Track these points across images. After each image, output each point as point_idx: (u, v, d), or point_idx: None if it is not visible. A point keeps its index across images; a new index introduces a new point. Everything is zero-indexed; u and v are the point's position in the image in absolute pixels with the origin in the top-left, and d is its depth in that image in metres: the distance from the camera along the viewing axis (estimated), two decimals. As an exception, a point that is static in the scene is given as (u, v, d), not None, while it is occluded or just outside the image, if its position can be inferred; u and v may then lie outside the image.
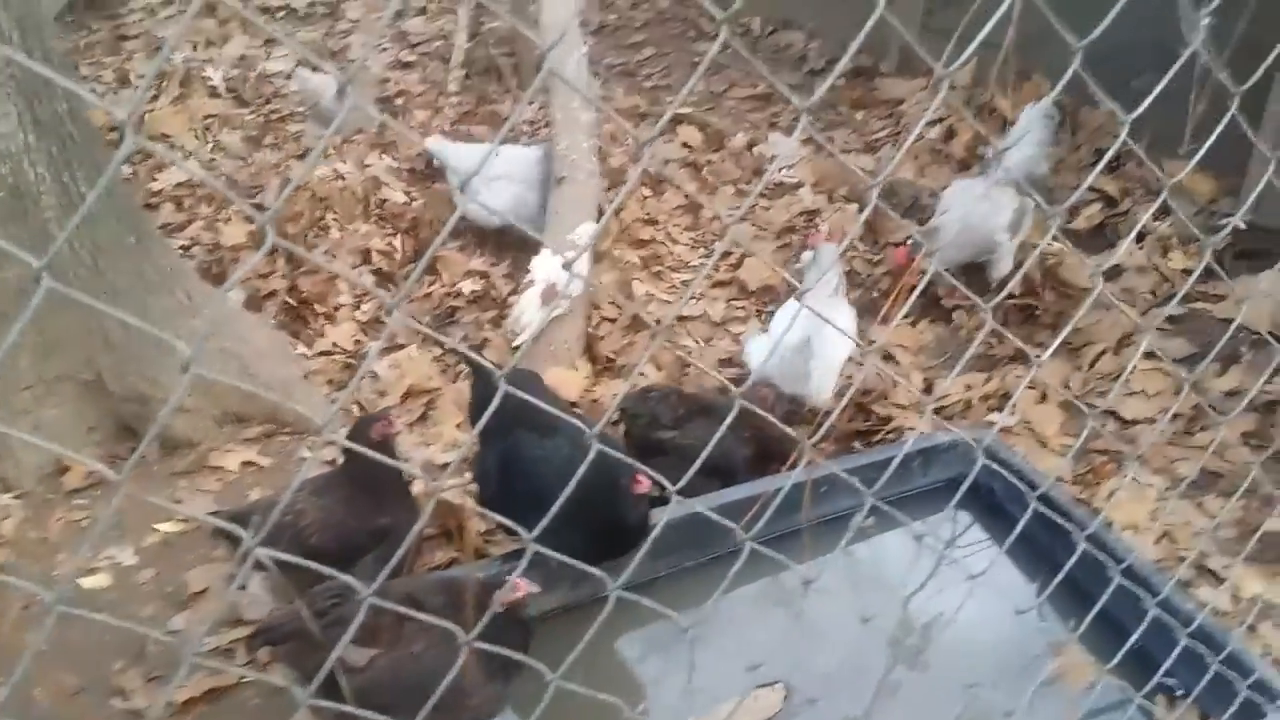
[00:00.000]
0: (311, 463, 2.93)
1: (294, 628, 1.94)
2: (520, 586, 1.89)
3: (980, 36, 1.08)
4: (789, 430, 1.41)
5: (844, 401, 1.55)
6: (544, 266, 3.41)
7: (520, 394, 1.02)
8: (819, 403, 3.02)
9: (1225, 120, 1.19)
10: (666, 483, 1.26)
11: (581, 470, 1.12)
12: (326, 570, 1.10)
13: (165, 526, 2.78)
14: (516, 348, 3.26)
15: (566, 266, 1.05)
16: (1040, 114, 3.83)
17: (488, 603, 1.72)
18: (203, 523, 2.78)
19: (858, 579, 2.64)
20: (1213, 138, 1.30)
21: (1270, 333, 3.28)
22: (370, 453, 1.09)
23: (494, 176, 3.94)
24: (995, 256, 3.62)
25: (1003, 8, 1.13)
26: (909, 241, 3.56)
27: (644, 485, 2.14)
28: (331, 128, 1.03)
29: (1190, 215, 3.88)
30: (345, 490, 2.34)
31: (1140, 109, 1.15)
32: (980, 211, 3.52)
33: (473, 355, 1.08)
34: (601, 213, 3.87)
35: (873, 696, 2.23)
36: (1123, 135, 1.10)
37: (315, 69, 4.78)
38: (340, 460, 2.52)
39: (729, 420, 1.24)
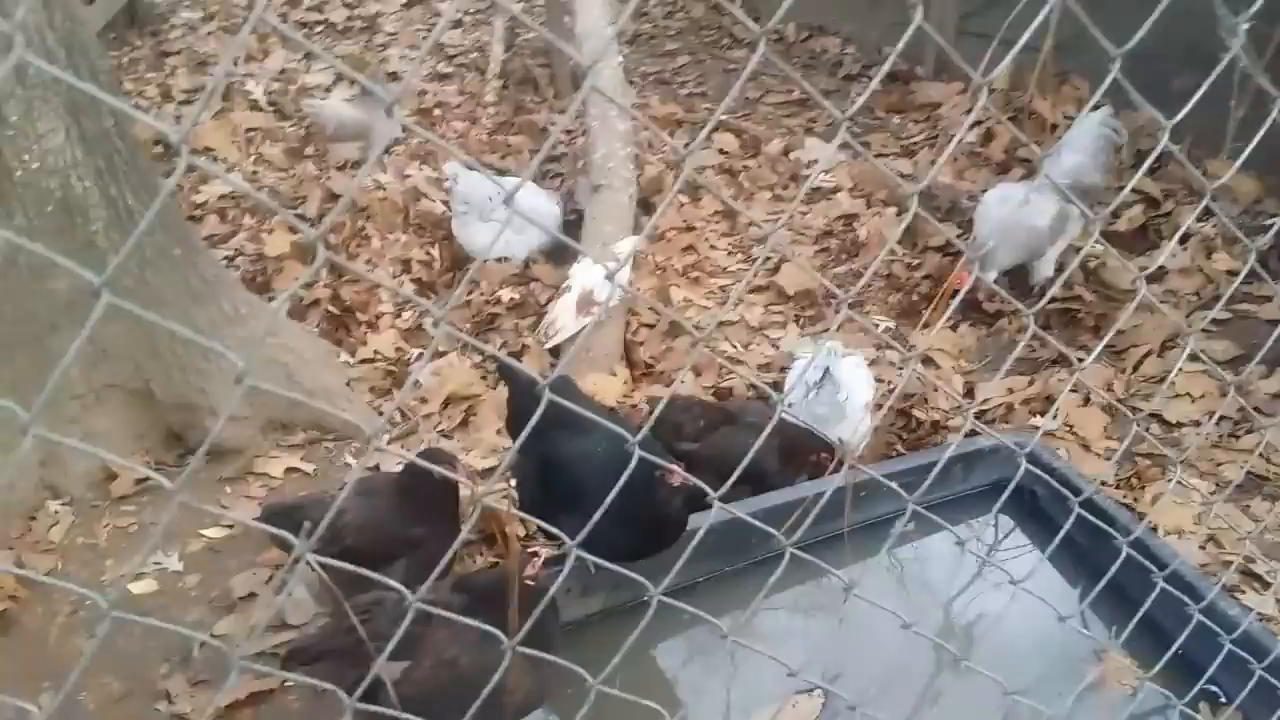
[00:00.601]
0: (356, 470, 2.97)
1: (324, 647, 1.97)
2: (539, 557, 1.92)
3: (1020, 43, 1.08)
4: (827, 437, 1.41)
5: (882, 412, 1.55)
6: (582, 274, 3.43)
7: (557, 399, 1.03)
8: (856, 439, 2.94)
9: (1267, 125, 1.18)
10: (708, 489, 1.27)
11: (626, 473, 1.13)
12: (368, 574, 1.11)
13: (211, 532, 2.82)
14: (552, 351, 3.29)
15: (609, 278, 1.06)
16: (1096, 123, 3.68)
17: (506, 597, 1.74)
18: (251, 526, 2.83)
19: (900, 583, 2.63)
20: (1254, 143, 1.29)
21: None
22: (433, 469, 1.10)
23: (497, 219, 3.82)
24: (1038, 260, 3.58)
25: (1042, 13, 1.13)
26: (965, 260, 3.52)
27: (675, 478, 2.15)
28: (376, 150, 1.04)
29: (1234, 216, 3.83)
30: (390, 497, 2.37)
31: (1180, 115, 1.14)
32: (1019, 216, 3.48)
33: (511, 362, 1.09)
34: (637, 220, 3.89)
35: (915, 703, 2.23)
36: (1163, 141, 1.09)
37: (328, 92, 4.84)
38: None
39: (768, 429, 1.24)
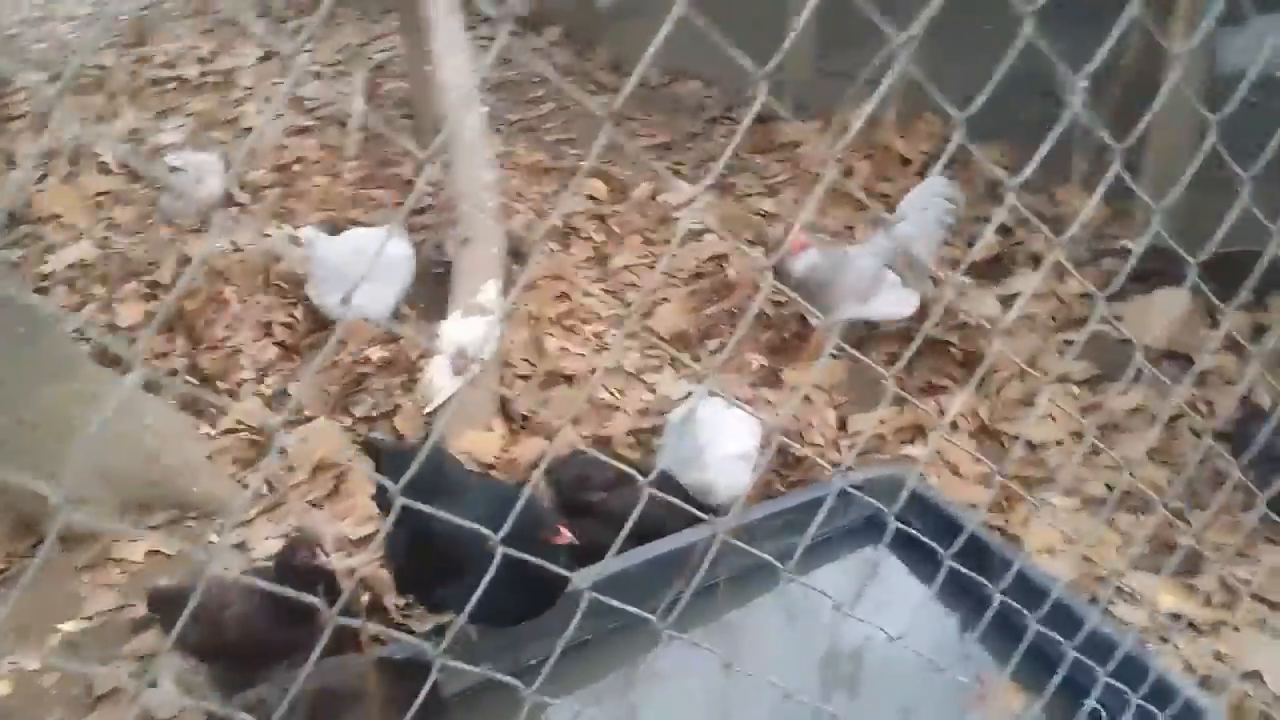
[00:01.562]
0: (221, 549, 2.84)
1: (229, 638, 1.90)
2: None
3: (873, 102, 1.08)
4: (698, 513, 1.41)
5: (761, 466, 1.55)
6: (453, 331, 3.37)
7: (410, 503, 1.00)
8: (726, 495, 2.86)
9: (1109, 176, 1.22)
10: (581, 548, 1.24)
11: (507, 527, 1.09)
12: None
13: (69, 626, 2.66)
14: (429, 415, 3.20)
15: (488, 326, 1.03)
16: (930, 193, 3.67)
17: (395, 689, 1.69)
18: (111, 618, 2.67)
19: (791, 615, 2.63)
20: (1097, 196, 1.33)
21: (1168, 350, 3.38)
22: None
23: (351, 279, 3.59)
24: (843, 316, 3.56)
25: (887, 81, 1.15)
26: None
27: (564, 537, 2.11)
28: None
29: (1083, 241, 4.00)
30: (265, 593, 2.26)
31: (1021, 177, 1.17)
32: (831, 269, 3.53)
33: (373, 475, 1.05)
34: (508, 270, 3.84)
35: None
36: (1009, 200, 1.12)
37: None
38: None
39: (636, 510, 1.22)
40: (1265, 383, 3.02)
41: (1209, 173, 1.38)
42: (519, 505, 1.25)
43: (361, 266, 3.47)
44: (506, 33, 0.88)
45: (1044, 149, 1.22)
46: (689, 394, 3.24)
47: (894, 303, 3.58)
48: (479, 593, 1.25)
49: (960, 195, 3.73)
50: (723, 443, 2.86)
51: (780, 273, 3.50)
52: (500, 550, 1.12)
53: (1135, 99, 3.46)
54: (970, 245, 3.96)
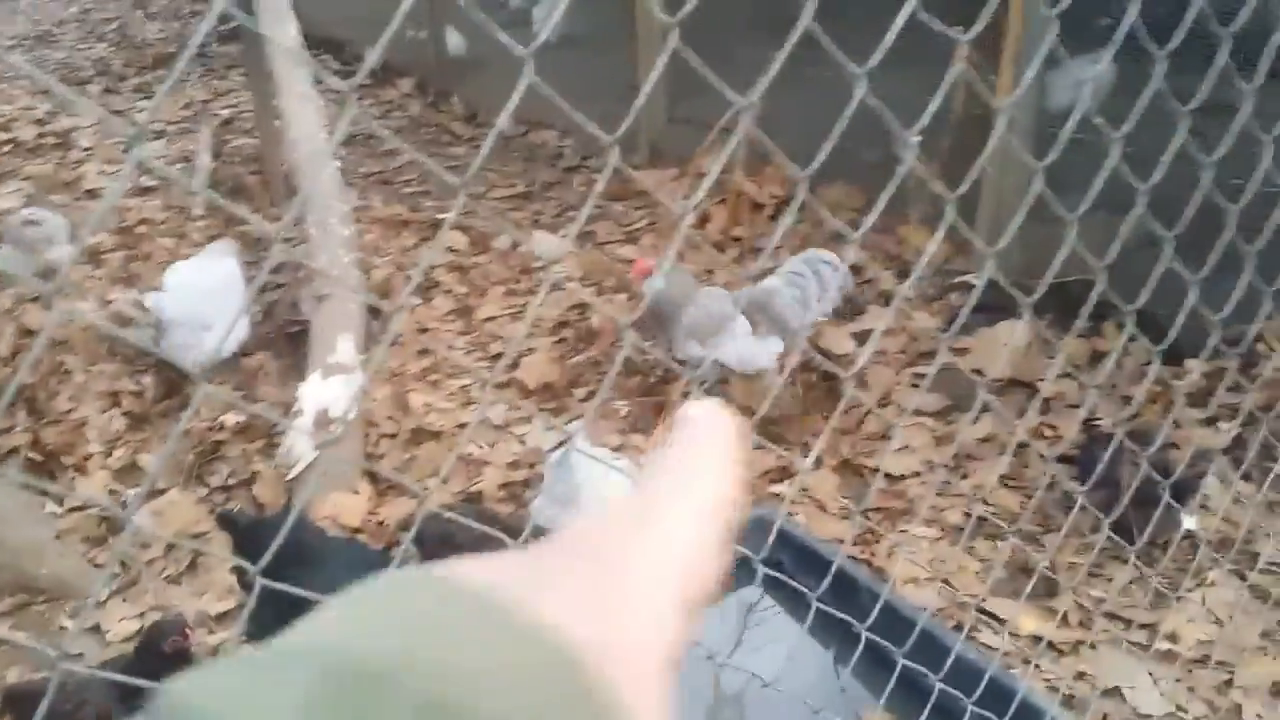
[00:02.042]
0: (74, 634, 2.69)
1: None
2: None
3: (720, 160, 1.11)
4: None
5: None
6: (312, 392, 3.29)
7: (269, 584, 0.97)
8: None
9: (944, 226, 1.28)
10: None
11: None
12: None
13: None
14: (291, 481, 3.11)
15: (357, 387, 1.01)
16: (801, 259, 3.65)
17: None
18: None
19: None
20: (935, 241, 1.39)
21: (1012, 379, 3.54)
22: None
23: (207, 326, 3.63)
24: (688, 355, 3.55)
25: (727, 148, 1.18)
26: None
27: None
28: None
29: (928, 276, 4.17)
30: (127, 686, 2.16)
31: (860, 233, 1.22)
32: (680, 301, 3.50)
33: (229, 555, 1.01)
34: (368, 326, 3.78)
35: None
36: (853, 245, 1.16)
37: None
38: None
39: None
40: (1107, 408, 3.19)
41: (1047, 207, 1.46)
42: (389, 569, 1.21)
43: (208, 304, 3.59)
44: (355, 101, 0.88)
45: (882, 201, 1.27)
46: (564, 439, 3.23)
47: (747, 350, 3.56)
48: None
49: (838, 264, 3.65)
50: (598, 484, 2.85)
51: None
52: None
53: (967, 143, 3.64)
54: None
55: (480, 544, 2.37)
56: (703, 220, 4.63)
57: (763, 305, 3.53)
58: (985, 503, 3.04)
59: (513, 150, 5.94)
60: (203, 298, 3.68)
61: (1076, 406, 3.37)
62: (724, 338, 3.52)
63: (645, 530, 0.36)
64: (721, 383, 3.65)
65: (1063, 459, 3.06)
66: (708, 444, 0.40)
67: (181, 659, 2.10)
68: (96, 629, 2.70)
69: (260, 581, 1.03)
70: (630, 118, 1.10)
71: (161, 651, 2.11)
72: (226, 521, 2.49)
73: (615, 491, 2.88)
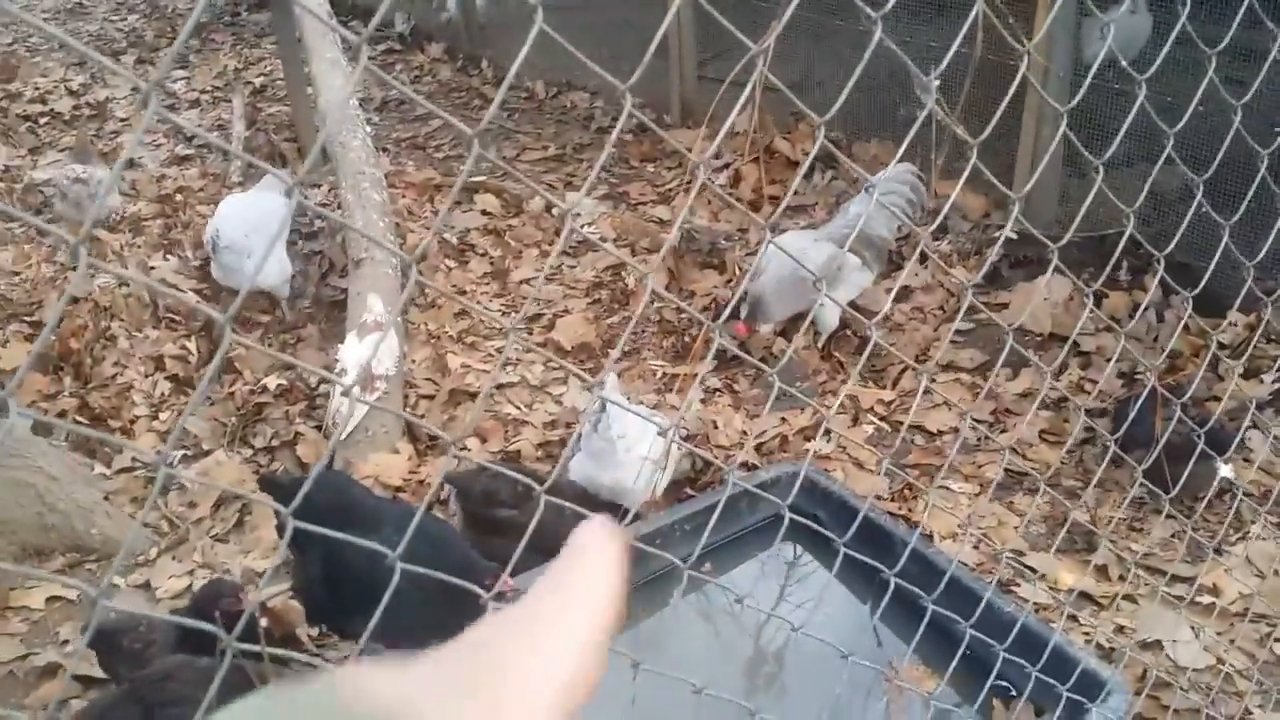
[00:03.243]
0: (126, 593, 2.76)
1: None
2: None
3: (736, 109, 1.12)
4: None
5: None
6: (352, 354, 3.33)
7: (303, 525, 0.97)
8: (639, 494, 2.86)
9: (968, 171, 1.28)
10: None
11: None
12: None
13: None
14: (342, 441, 3.14)
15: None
16: (887, 176, 3.52)
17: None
18: (14, 667, 2.57)
19: (709, 617, 2.66)
20: (956, 190, 1.38)
21: (1052, 333, 3.52)
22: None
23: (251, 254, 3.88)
24: (820, 311, 3.58)
25: (747, 91, 1.18)
26: (743, 315, 3.57)
27: (506, 585, 2.10)
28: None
29: (966, 231, 4.14)
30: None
31: (886, 170, 1.22)
32: (790, 266, 3.50)
33: (261, 498, 1.03)
34: (402, 290, 3.81)
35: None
36: (875, 196, 1.16)
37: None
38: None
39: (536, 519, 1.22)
40: (1147, 361, 3.17)
41: (1082, 159, 1.46)
42: (440, 534, 1.24)
43: (255, 232, 3.85)
44: (366, 58, 0.88)
45: (904, 147, 1.27)
46: (600, 398, 3.24)
47: (856, 286, 3.64)
48: (380, 615, 1.22)
49: (918, 182, 3.67)
50: (634, 441, 2.86)
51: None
52: (401, 569, 1.09)
53: (992, 93, 3.60)
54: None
55: (521, 500, 2.38)
56: (736, 179, 4.61)
57: (860, 234, 3.52)
58: (1024, 457, 3.03)
59: (545, 113, 5.94)
60: (250, 227, 3.87)
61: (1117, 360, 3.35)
62: (844, 277, 3.57)
63: (536, 647, 0.41)
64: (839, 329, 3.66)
65: (1101, 412, 3.04)
66: (595, 566, 0.45)
67: (233, 621, 2.14)
68: (146, 585, 2.77)
69: (292, 524, 1.01)
70: (643, 65, 1.10)
71: (213, 613, 2.16)
72: (270, 484, 2.53)
73: (649, 448, 2.89)
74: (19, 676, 2.52)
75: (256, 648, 1.83)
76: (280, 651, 1.84)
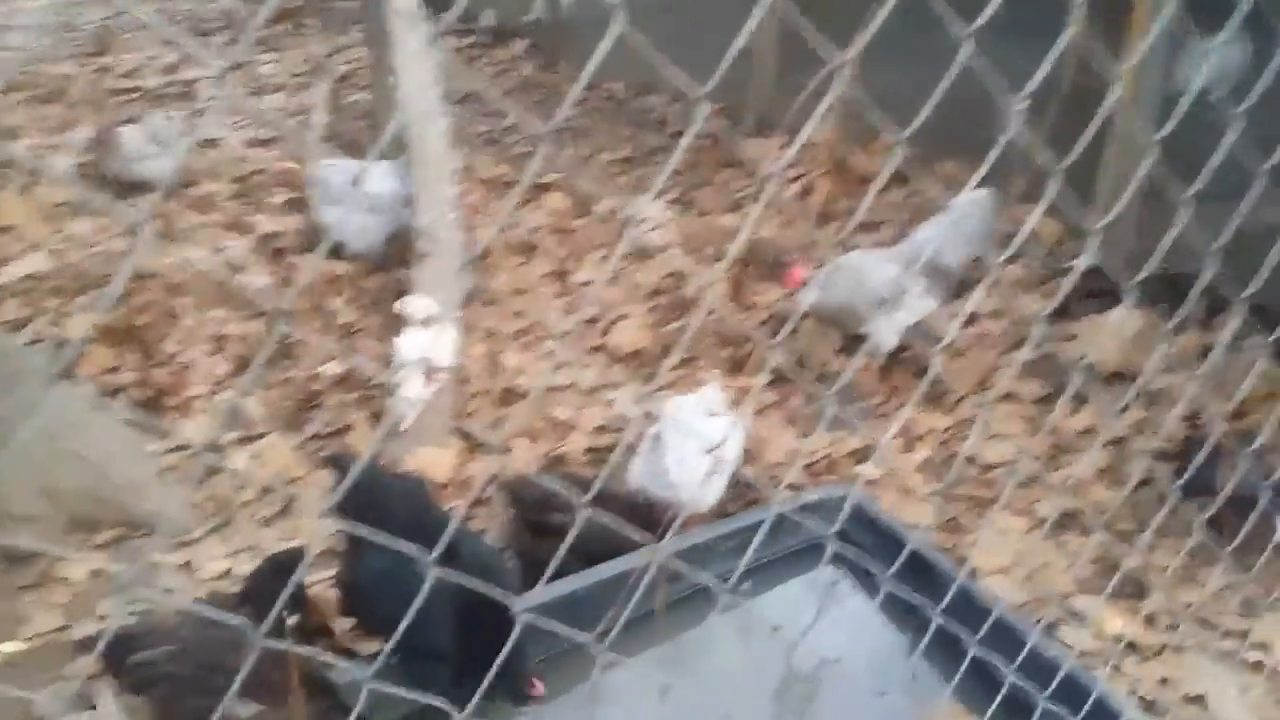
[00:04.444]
0: (167, 569, 2.81)
1: (169, 670, 1.86)
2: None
3: (812, 121, 1.09)
4: (636, 535, 1.37)
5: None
6: (411, 346, 3.35)
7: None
8: (692, 503, 2.86)
9: (1049, 198, 1.24)
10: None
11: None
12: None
13: (7, 646, 2.61)
14: (405, 430, 3.15)
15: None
16: (966, 201, 3.49)
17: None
18: (53, 639, 2.63)
19: (745, 636, 2.62)
20: (1036, 215, 1.34)
21: (1118, 370, 3.41)
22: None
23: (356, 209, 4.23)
24: (871, 330, 3.48)
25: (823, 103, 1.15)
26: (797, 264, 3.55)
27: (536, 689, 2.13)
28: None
29: (1040, 258, 4.03)
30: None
31: (966, 189, 1.18)
32: (848, 282, 3.48)
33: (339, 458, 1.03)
34: (465, 286, 3.84)
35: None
36: (945, 221, 1.12)
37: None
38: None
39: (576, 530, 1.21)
40: (1215, 406, 3.05)
41: (1167, 194, 1.40)
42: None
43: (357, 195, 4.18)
44: (445, 48, 0.88)
45: (982, 170, 1.23)
46: (655, 410, 3.20)
47: (916, 312, 3.53)
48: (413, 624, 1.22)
49: (995, 206, 3.58)
50: (687, 469, 2.83)
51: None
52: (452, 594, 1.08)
53: (1078, 118, 3.49)
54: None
55: (574, 510, 2.36)
56: (805, 191, 4.55)
57: (928, 260, 3.45)
58: (1079, 496, 2.94)
59: (623, 114, 5.94)
60: (355, 188, 4.22)
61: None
62: (906, 302, 3.48)
63: None
64: (899, 351, 3.58)
65: (1163, 455, 2.94)
66: None
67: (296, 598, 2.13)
68: (188, 565, 2.81)
69: (336, 517, 1.02)
70: (721, 70, 1.08)
71: (277, 586, 2.11)
72: (337, 463, 2.54)
73: (713, 458, 2.86)
74: (57, 648, 2.57)
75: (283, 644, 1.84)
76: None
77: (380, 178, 4.27)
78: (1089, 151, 1.39)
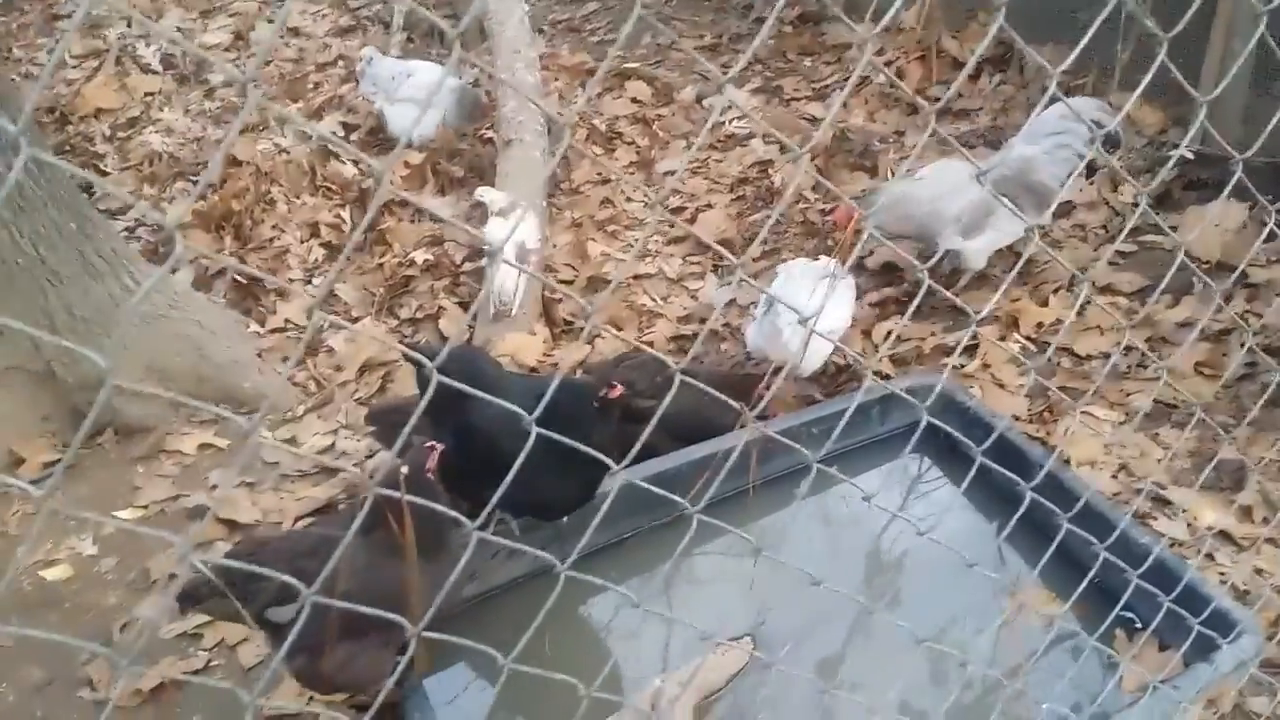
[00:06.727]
0: (269, 446, 2.91)
1: (209, 590, 1.94)
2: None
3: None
4: (730, 402, 1.37)
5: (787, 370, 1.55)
6: (497, 232, 3.38)
7: (446, 380, 0.99)
8: (804, 370, 2.91)
9: (1155, 67, 1.19)
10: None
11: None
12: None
13: (126, 514, 2.75)
14: (509, 315, 3.20)
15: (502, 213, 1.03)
16: (1057, 116, 3.19)
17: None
18: (167, 506, 2.76)
19: (829, 520, 2.66)
20: (1144, 85, 1.30)
21: (1220, 261, 3.31)
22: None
23: (402, 98, 4.33)
24: (951, 250, 3.24)
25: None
26: (846, 202, 3.30)
27: (615, 390, 2.18)
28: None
29: (1139, 147, 3.90)
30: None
31: (1066, 62, 1.15)
32: (924, 194, 3.22)
33: (406, 350, 1.06)
34: (553, 174, 3.84)
35: (843, 641, 2.28)
36: (1051, 88, 1.10)
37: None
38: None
39: (666, 401, 1.21)
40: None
41: (1271, 76, 1.34)
42: (553, 385, 1.25)
43: (406, 87, 4.29)
44: None
45: (1084, 40, 1.19)
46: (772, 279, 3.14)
47: (1007, 235, 3.27)
48: (524, 484, 1.25)
49: (1111, 119, 3.09)
50: (796, 332, 2.79)
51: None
52: (536, 433, 1.11)
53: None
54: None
55: (661, 390, 2.39)
56: (897, 76, 4.43)
57: (1022, 180, 3.15)
58: (1176, 389, 2.89)
59: (705, 1, 5.80)
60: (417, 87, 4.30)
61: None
62: (989, 226, 3.24)
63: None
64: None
65: (1266, 349, 2.87)
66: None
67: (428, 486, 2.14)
68: (292, 440, 2.92)
69: (436, 378, 1.02)
70: None
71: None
72: (407, 357, 2.58)
73: (825, 324, 2.84)
74: (168, 515, 2.70)
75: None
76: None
77: (427, 71, 4.35)
78: (1194, 32, 1.33)
